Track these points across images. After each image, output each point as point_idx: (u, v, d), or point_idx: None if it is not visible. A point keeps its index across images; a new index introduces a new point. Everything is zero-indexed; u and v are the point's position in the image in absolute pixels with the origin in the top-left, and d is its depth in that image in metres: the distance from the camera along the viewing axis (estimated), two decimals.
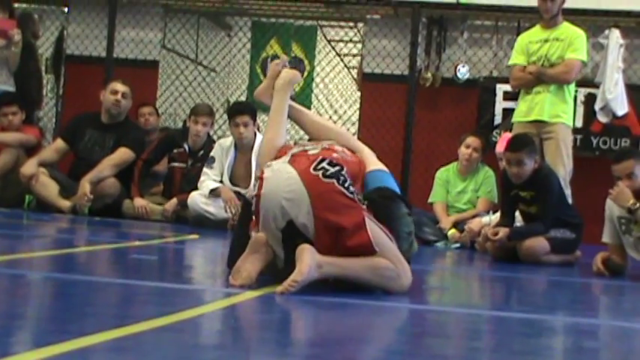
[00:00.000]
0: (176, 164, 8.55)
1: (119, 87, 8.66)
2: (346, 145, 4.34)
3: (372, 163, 4.38)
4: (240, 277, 3.86)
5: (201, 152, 8.41)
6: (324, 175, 3.85)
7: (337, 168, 3.90)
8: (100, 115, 8.69)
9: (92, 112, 8.83)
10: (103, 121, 8.67)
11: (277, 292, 3.69)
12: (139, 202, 8.34)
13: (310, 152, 4.00)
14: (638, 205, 5.80)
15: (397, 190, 4.33)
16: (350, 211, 3.86)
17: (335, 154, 3.99)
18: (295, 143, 4.45)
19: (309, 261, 3.71)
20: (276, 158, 4.08)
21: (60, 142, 8.73)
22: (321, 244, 3.81)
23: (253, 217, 4.01)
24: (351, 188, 3.90)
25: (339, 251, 3.83)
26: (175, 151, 8.55)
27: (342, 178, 3.88)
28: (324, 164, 3.88)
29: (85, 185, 8.20)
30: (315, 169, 3.87)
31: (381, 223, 4.00)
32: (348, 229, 3.82)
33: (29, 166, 8.37)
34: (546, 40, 7.70)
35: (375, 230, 3.91)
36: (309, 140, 4.68)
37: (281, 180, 3.87)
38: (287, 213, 3.83)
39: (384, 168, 4.42)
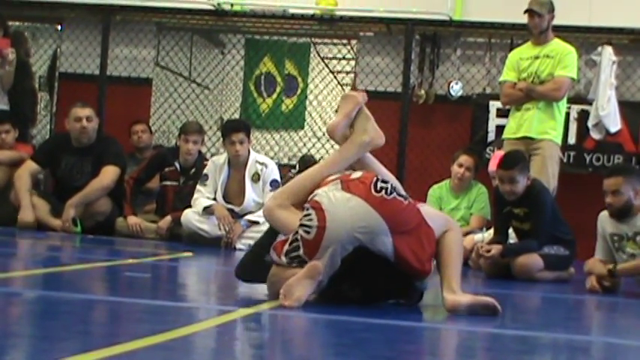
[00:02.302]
0: (168, 183, 8.53)
1: (81, 112, 8.38)
2: None
3: None
4: (291, 298, 3.89)
5: (193, 170, 8.40)
6: (386, 193, 4.00)
7: (388, 182, 4.08)
8: (72, 140, 8.45)
9: (62, 135, 8.68)
10: (76, 146, 8.45)
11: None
12: (133, 219, 8.32)
13: (355, 176, 4.13)
14: (613, 265, 5.86)
15: None
16: (414, 215, 4.07)
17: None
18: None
19: None
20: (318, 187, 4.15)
21: (32, 165, 8.46)
22: (405, 251, 3.98)
23: (290, 243, 4.04)
24: (402, 192, 4.09)
25: (420, 242, 4.04)
26: (167, 169, 8.52)
27: (395, 187, 4.06)
28: (379, 184, 4.03)
29: (69, 211, 8.14)
30: (376, 190, 4.00)
31: None
32: (421, 232, 4.05)
33: (28, 214, 8.17)
34: (537, 57, 7.71)
35: (427, 213, 4.17)
36: None
37: (347, 211, 3.96)
38: (358, 240, 3.94)
39: None
